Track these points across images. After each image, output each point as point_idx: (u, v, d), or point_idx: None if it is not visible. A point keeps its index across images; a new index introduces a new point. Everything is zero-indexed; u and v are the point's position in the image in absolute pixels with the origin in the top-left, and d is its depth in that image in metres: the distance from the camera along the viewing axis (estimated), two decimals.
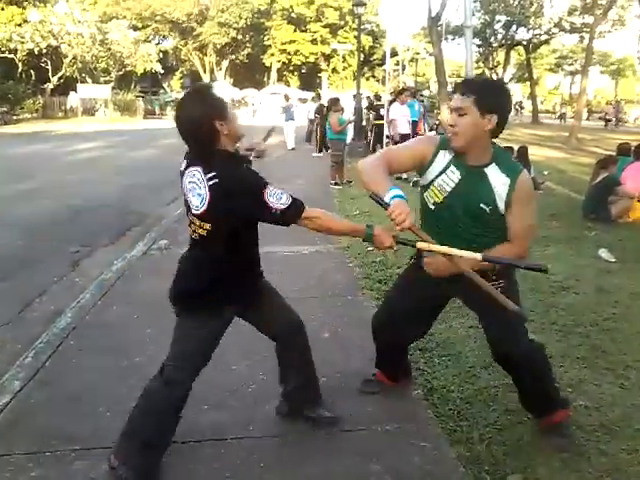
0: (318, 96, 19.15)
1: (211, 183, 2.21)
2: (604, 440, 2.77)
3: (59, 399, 3.13)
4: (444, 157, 2.52)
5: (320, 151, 16.25)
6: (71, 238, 6.75)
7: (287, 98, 19.05)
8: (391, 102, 13.49)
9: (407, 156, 2.59)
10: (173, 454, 2.65)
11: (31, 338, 3.91)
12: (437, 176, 2.53)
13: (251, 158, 2.59)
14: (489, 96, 2.38)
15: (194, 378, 2.51)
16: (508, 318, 2.38)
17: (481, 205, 2.44)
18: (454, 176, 2.49)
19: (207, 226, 2.31)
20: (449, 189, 2.50)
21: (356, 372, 3.36)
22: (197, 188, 2.26)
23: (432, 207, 2.58)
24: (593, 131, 29.46)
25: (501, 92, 2.46)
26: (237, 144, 2.43)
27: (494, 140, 2.50)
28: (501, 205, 2.42)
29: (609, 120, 37.33)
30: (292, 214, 2.28)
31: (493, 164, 2.44)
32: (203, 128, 2.22)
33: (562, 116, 43.58)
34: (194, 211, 2.32)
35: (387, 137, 14.49)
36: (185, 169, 2.35)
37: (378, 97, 20.66)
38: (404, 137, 11.50)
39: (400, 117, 11.69)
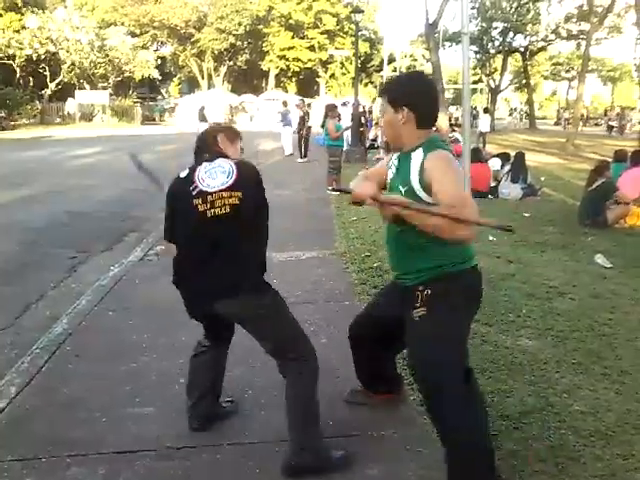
0: (306, 104, 19.09)
1: (237, 162, 2.50)
2: (599, 445, 2.77)
3: (55, 405, 3.12)
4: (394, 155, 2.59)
5: (305, 156, 16.36)
6: (68, 244, 6.75)
7: (285, 104, 19.08)
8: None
9: (378, 170, 2.71)
10: (169, 459, 2.66)
11: (28, 343, 3.90)
12: (389, 168, 2.60)
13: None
14: (397, 92, 2.43)
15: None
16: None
17: (399, 187, 2.42)
18: (393, 164, 2.55)
19: (239, 194, 2.41)
20: (391, 176, 2.56)
21: (353, 378, 3.36)
22: (221, 168, 2.45)
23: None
24: (590, 137, 29.56)
25: (411, 85, 2.45)
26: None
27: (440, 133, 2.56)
28: (415, 183, 2.34)
29: (612, 127, 36.82)
30: None
31: (420, 148, 2.38)
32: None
33: (567, 122, 42.67)
34: (220, 187, 2.41)
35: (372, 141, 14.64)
36: (194, 168, 2.50)
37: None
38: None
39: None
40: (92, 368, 3.55)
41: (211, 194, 2.40)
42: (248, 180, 2.45)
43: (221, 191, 2.40)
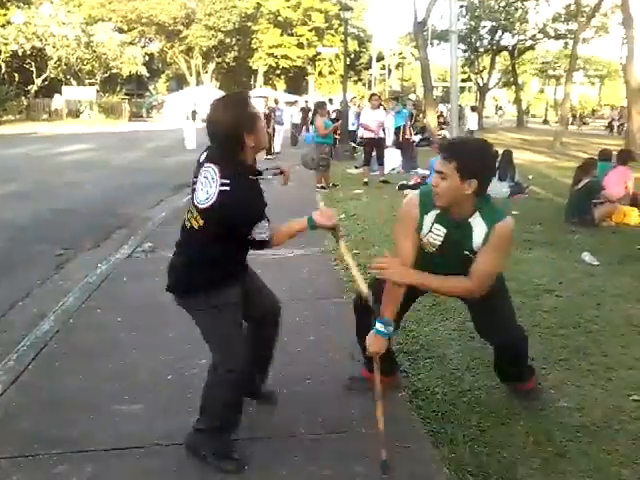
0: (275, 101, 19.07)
1: (222, 189, 2.30)
2: (585, 441, 2.80)
3: (42, 402, 3.10)
4: (429, 217, 2.66)
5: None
6: (55, 241, 6.70)
7: (276, 102, 18.99)
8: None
9: (409, 244, 2.73)
10: (159, 456, 2.65)
11: (14, 341, 3.87)
12: (427, 234, 2.69)
13: (271, 176, 2.85)
14: (470, 162, 2.44)
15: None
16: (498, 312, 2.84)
17: (465, 252, 2.61)
18: (440, 232, 2.65)
19: (201, 222, 2.40)
20: (438, 243, 2.67)
21: (341, 374, 3.37)
22: (208, 185, 2.35)
23: (426, 252, 2.74)
24: (578, 136, 29.77)
25: (482, 157, 2.50)
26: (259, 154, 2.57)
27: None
28: (475, 245, 2.58)
29: (612, 126, 35.36)
30: (262, 246, 2.50)
31: (477, 213, 2.55)
32: (231, 138, 2.33)
33: (572, 121, 41.96)
34: (196, 203, 2.40)
35: (360, 140, 14.59)
36: (204, 161, 2.44)
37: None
38: (373, 141, 11.62)
39: (371, 122, 11.69)
40: (79, 365, 3.53)
41: (192, 205, 2.46)
42: (228, 210, 2.32)
43: (194, 206, 2.43)
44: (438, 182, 2.49)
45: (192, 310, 2.58)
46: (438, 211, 2.62)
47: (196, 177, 2.45)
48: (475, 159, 2.46)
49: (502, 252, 2.60)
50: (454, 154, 2.46)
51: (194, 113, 20.56)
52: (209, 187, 2.34)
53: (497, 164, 10.52)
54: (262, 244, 2.47)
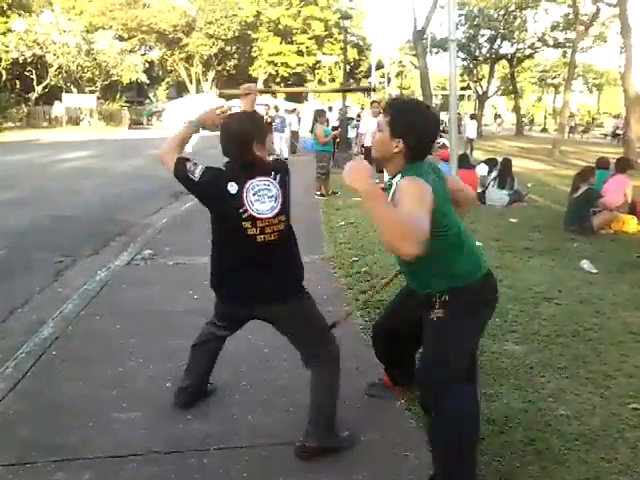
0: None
1: (278, 179, 2.61)
2: (584, 449, 2.80)
3: (40, 410, 3.10)
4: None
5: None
6: (54, 248, 6.70)
7: (277, 109, 18.99)
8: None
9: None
10: (157, 464, 2.65)
11: (13, 348, 3.87)
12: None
13: None
14: (399, 120, 2.37)
15: None
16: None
17: None
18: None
19: (283, 218, 2.63)
20: None
21: (342, 383, 3.37)
22: (268, 192, 2.57)
23: None
24: (577, 144, 29.83)
25: (413, 117, 2.37)
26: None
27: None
28: None
29: (617, 135, 33.80)
30: None
31: (398, 176, 2.38)
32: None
33: (572, 130, 40.20)
34: (268, 214, 2.57)
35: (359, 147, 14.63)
36: (242, 187, 2.54)
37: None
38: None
39: (370, 131, 11.67)
40: (78, 373, 3.53)
41: (261, 220, 2.56)
42: (288, 197, 2.65)
43: (270, 218, 2.58)
44: (377, 134, 2.49)
45: (288, 311, 2.71)
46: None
47: (237, 207, 2.53)
48: (404, 118, 2.37)
49: (407, 191, 2.18)
50: (390, 108, 2.44)
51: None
52: (270, 192, 2.57)
53: (496, 172, 10.70)
54: None
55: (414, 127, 2.36)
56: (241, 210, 2.53)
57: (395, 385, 3.28)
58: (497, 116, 58.34)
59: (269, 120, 16.69)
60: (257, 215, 2.54)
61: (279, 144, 17.57)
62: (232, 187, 2.54)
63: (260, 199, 2.55)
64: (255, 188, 2.55)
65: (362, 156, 14.33)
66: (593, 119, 51.55)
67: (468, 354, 2.55)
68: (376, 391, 3.31)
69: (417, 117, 2.39)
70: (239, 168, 2.58)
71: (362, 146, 11.84)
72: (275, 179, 2.60)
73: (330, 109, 22.88)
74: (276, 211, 2.58)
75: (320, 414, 2.74)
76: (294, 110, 20.12)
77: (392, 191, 2.36)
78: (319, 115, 11.81)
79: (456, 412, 2.35)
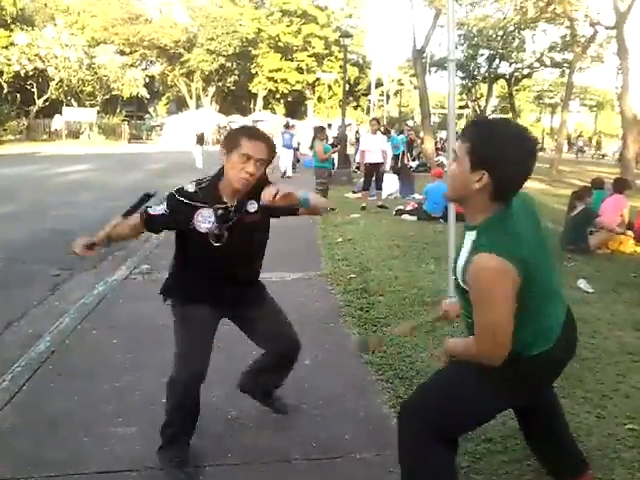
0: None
1: None
2: None
3: (36, 423, 3.09)
4: None
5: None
6: (52, 261, 6.70)
7: (287, 126, 18.92)
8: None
9: None
10: (152, 479, 2.64)
11: (9, 361, 3.86)
12: None
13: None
14: (483, 147, 1.86)
15: None
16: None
17: (455, 277, 2.02)
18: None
19: None
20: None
21: (337, 399, 3.37)
22: None
23: None
24: (574, 164, 29.98)
25: (501, 144, 1.85)
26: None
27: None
28: (459, 270, 1.97)
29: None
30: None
31: (475, 231, 1.94)
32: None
33: (580, 150, 40.24)
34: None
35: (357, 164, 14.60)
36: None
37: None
38: (374, 166, 11.65)
39: (370, 148, 11.70)
40: (74, 387, 3.52)
41: None
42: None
43: None
44: (451, 164, 2.02)
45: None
46: None
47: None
48: (490, 144, 1.85)
49: (484, 298, 1.84)
50: (469, 133, 1.92)
51: (201, 136, 20.96)
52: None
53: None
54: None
55: (500, 157, 1.84)
56: None
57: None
58: None
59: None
60: None
61: (285, 161, 17.47)
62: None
63: None
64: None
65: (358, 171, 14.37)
66: (590, 139, 51.80)
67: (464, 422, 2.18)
68: None
69: (502, 144, 1.85)
70: None
71: (364, 164, 11.83)
72: None
73: (330, 126, 23.02)
74: None
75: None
76: (293, 126, 20.18)
77: (464, 260, 1.92)
78: (318, 132, 11.89)
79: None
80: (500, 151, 1.84)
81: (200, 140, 21.14)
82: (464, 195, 1.95)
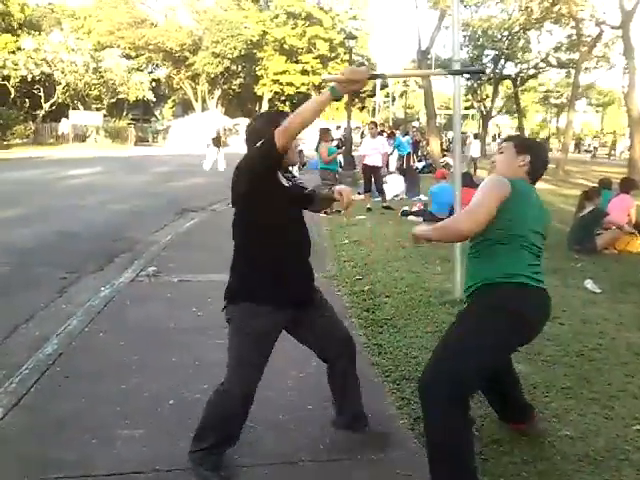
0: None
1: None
2: (588, 470, 2.78)
3: (44, 425, 3.10)
4: None
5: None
6: (58, 264, 6.72)
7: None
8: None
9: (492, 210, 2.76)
10: None
11: (17, 364, 3.88)
12: None
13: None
14: (524, 141, 2.99)
15: None
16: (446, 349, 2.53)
17: None
18: None
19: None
20: None
21: None
22: None
23: None
24: (581, 164, 29.89)
25: (536, 143, 3.20)
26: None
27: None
28: None
29: None
30: None
31: None
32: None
33: (594, 152, 39.80)
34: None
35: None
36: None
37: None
38: (372, 168, 11.65)
39: (369, 151, 11.74)
40: (82, 389, 3.53)
41: None
42: (235, 186, 2.62)
43: None
44: (496, 156, 2.91)
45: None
46: None
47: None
48: (529, 141, 3.14)
49: (481, 188, 2.63)
50: (512, 138, 3.02)
51: (217, 139, 20.81)
52: None
53: None
54: None
55: (536, 149, 2.89)
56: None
57: (511, 423, 3.13)
58: (498, 136, 58.45)
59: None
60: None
61: None
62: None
63: None
64: None
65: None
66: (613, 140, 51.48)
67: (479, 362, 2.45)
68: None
69: (537, 143, 3.27)
70: None
71: (362, 165, 11.92)
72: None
73: (338, 128, 22.98)
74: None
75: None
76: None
77: None
78: (323, 133, 11.88)
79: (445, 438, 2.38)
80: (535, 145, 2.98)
81: (217, 141, 20.79)
82: (510, 173, 2.73)
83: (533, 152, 2.82)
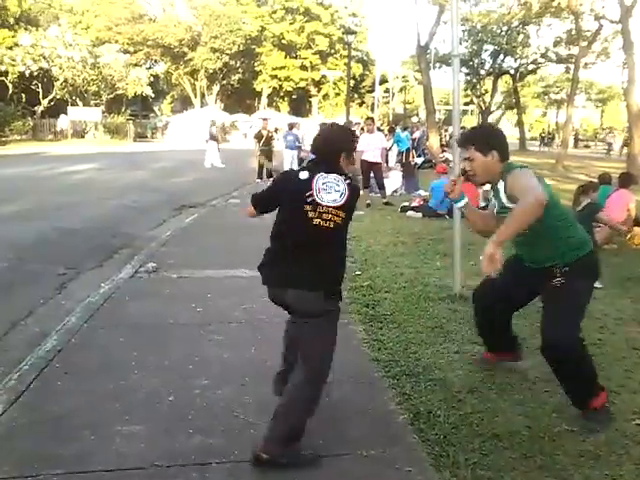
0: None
1: (348, 182, 2.79)
2: (588, 465, 2.78)
3: (43, 422, 3.09)
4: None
5: (260, 178, 15.79)
6: (57, 260, 6.72)
7: (291, 126, 18.78)
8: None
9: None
10: (159, 477, 2.64)
11: (16, 360, 3.87)
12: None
13: None
14: (480, 139, 3.18)
15: None
16: (562, 313, 3.11)
17: (501, 211, 3.22)
18: (491, 196, 3.43)
19: (342, 215, 2.76)
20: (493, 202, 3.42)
21: (342, 395, 3.36)
22: (336, 186, 2.75)
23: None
24: (578, 158, 29.87)
25: (488, 132, 3.40)
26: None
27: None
28: (505, 201, 3.16)
29: None
30: None
31: (500, 180, 3.18)
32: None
33: (609, 148, 38.81)
34: (332, 204, 2.72)
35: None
36: (313, 175, 2.76)
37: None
38: (370, 164, 11.65)
39: (367, 147, 11.62)
40: (81, 385, 3.52)
41: (321, 206, 2.71)
42: (352, 202, 2.80)
43: (332, 207, 2.72)
44: (469, 165, 3.19)
45: (313, 309, 2.79)
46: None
47: (304, 191, 2.72)
48: (487, 137, 3.23)
49: (519, 178, 3.01)
50: (469, 140, 3.22)
51: (212, 132, 20.66)
52: (337, 187, 2.74)
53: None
54: None
55: (496, 139, 3.23)
56: (307, 194, 2.70)
57: (496, 353, 3.79)
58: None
59: (269, 134, 16.64)
60: (319, 202, 2.70)
61: (289, 162, 17.32)
62: (303, 174, 2.77)
63: (327, 189, 2.72)
64: (325, 179, 2.74)
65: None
66: (596, 134, 51.36)
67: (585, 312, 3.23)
68: (483, 364, 3.82)
69: (493, 133, 3.40)
70: (318, 165, 2.82)
71: (360, 161, 11.86)
72: (346, 181, 2.77)
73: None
74: (338, 204, 2.71)
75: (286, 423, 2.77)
76: (296, 124, 20.06)
77: (503, 190, 3.16)
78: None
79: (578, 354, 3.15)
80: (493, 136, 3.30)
81: (213, 136, 20.57)
82: (489, 172, 3.21)
83: (494, 143, 3.14)
